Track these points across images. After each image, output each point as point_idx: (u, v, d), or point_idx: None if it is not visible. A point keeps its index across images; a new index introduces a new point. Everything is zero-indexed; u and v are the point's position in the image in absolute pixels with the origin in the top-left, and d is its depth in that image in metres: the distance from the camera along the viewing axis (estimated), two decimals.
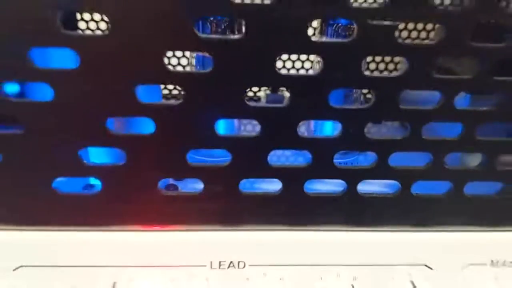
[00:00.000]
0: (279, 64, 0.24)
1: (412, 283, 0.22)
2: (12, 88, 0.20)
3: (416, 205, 0.21)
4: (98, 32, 0.18)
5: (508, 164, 0.21)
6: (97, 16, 0.22)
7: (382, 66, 0.27)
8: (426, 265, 0.22)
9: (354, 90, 0.25)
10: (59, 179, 0.19)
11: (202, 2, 0.16)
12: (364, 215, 0.21)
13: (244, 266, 0.21)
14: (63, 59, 0.18)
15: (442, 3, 0.19)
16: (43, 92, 0.18)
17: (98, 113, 0.18)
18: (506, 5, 0.18)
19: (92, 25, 0.27)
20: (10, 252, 0.20)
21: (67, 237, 0.20)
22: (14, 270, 0.20)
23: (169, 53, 0.32)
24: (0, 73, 0.17)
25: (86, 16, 0.25)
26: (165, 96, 0.34)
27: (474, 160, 0.21)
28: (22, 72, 0.17)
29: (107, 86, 0.17)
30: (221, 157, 0.20)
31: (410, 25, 0.23)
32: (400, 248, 0.21)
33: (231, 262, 0.21)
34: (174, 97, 0.33)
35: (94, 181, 0.22)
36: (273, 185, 0.20)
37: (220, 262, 0.21)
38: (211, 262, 0.21)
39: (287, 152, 0.20)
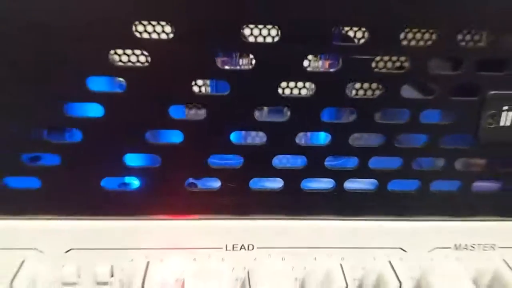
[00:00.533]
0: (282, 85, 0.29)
1: (390, 262, 0.26)
2: None
3: (391, 199, 0.25)
4: (141, 64, 0.23)
5: (468, 166, 0.26)
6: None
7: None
8: (401, 248, 0.26)
9: None
10: (105, 178, 0.24)
11: (223, 42, 0.21)
12: (350, 207, 0.26)
13: (253, 248, 0.26)
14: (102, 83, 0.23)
15: (409, 42, 0.24)
16: (92, 109, 0.22)
17: (139, 127, 0.22)
18: (459, 42, 0.22)
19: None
20: (63, 238, 0.25)
21: (109, 225, 0.25)
22: (65, 252, 0.25)
23: None
24: (65, 95, 0.22)
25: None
26: None
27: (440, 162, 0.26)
28: (81, 95, 0.22)
29: (147, 105, 0.22)
30: (231, 160, 0.24)
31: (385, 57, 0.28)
32: (380, 234, 0.26)
33: (242, 245, 0.26)
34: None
35: (128, 180, 0.26)
36: (276, 183, 0.25)
37: (233, 245, 0.26)
38: (226, 245, 0.26)
39: (288, 156, 0.25)
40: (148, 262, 0.25)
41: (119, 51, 0.25)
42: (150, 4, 0.20)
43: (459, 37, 0.22)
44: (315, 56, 0.27)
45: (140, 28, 0.23)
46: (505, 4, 0.21)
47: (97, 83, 0.22)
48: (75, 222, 0.25)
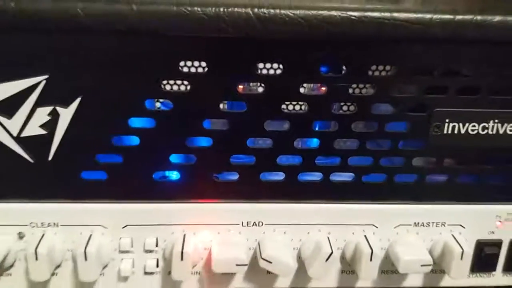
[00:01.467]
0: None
1: (365, 236, 0.34)
2: None
3: (365, 188, 0.34)
4: (183, 89, 0.31)
5: (423, 163, 0.34)
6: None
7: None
8: (373, 225, 0.35)
9: None
10: (155, 172, 0.32)
11: (242, 74, 0.30)
12: (335, 194, 0.34)
13: (262, 225, 0.34)
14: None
15: (373, 72, 0.32)
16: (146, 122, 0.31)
17: (181, 134, 0.31)
18: (412, 73, 0.31)
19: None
20: (121, 216, 0.33)
21: (156, 207, 0.33)
22: (122, 227, 0.33)
23: None
24: (129, 113, 0.30)
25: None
26: None
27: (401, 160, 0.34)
28: (140, 112, 0.30)
29: (187, 119, 0.30)
30: (247, 159, 0.33)
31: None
32: (357, 214, 0.34)
33: (254, 222, 0.34)
34: None
35: (168, 173, 0.35)
36: (280, 176, 0.33)
37: (247, 222, 0.34)
38: (242, 222, 0.34)
39: (288, 156, 0.33)
40: (184, 235, 0.33)
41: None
42: (192, 47, 0.29)
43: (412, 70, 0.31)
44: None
45: (184, 64, 0.31)
46: (442, 51, 0.29)
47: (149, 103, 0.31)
48: (131, 205, 0.33)
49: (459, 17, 0.28)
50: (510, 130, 0.32)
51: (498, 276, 0.37)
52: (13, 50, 0.28)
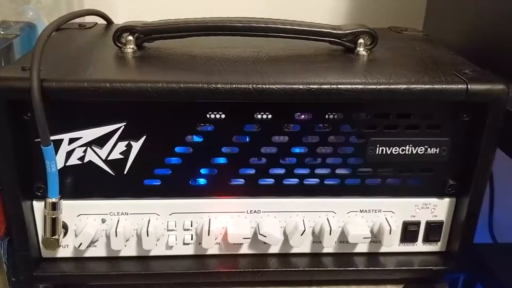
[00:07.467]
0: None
1: (327, 219, 0.52)
2: None
3: (327, 188, 0.51)
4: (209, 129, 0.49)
5: (364, 171, 0.52)
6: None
7: None
8: (333, 211, 0.53)
9: None
10: (191, 180, 0.50)
11: (246, 120, 0.47)
12: (307, 192, 0.51)
13: (260, 212, 0.52)
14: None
15: (329, 116, 0.50)
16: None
17: (208, 156, 0.49)
18: (354, 116, 0.48)
19: None
20: (169, 207, 0.51)
21: (191, 201, 0.51)
22: (170, 215, 0.51)
23: None
24: (176, 144, 0.48)
25: None
26: None
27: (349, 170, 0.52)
28: (182, 143, 0.48)
29: (212, 147, 0.48)
30: (250, 171, 0.51)
31: None
32: (322, 205, 0.51)
33: (255, 210, 0.51)
34: None
35: (199, 180, 0.52)
36: (270, 181, 0.51)
37: (251, 210, 0.51)
38: (247, 210, 0.51)
39: (277, 168, 0.51)
40: (209, 219, 0.51)
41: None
42: (215, 106, 0.46)
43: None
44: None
45: (210, 114, 0.48)
46: (371, 104, 0.47)
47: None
48: (175, 200, 0.51)
49: (380, 86, 0.45)
50: (420, 151, 0.50)
51: (419, 245, 0.55)
52: (107, 109, 0.46)
